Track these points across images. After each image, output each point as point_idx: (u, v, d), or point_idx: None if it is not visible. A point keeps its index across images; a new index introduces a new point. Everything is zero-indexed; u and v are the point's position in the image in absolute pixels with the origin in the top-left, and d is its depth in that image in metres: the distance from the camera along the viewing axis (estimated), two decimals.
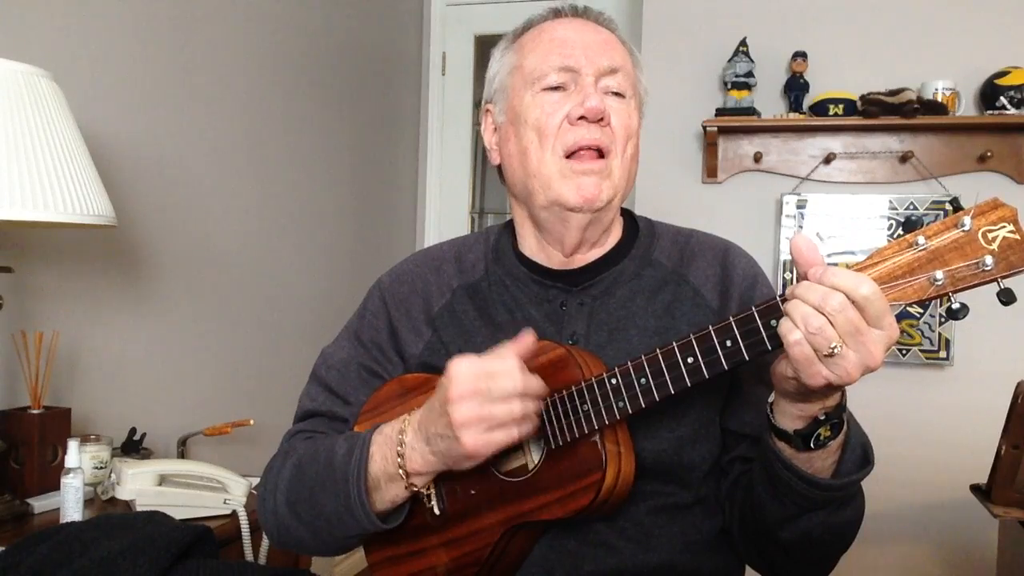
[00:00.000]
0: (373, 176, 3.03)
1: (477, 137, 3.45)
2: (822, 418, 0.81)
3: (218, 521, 1.49)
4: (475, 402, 0.79)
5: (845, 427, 0.83)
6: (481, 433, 0.80)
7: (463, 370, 0.81)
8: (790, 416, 0.82)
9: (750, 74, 2.59)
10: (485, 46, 3.40)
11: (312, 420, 1.05)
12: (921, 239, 0.72)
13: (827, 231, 2.61)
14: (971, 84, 2.51)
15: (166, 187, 1.98)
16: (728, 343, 0.78)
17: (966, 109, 2.50)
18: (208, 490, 1.53)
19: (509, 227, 1.09)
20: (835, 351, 0.71)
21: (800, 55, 2.58)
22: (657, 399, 0.82)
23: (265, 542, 1.56)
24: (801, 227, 2.62)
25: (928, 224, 0.73)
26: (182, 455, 1.93)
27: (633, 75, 1.00)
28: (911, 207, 2.54)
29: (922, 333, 2.53)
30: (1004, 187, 2.51)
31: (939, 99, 2.45)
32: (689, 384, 0.80)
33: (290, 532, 0.96)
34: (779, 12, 2.68)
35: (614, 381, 0.84)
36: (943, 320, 2.51)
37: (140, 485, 1.46)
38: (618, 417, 0.84)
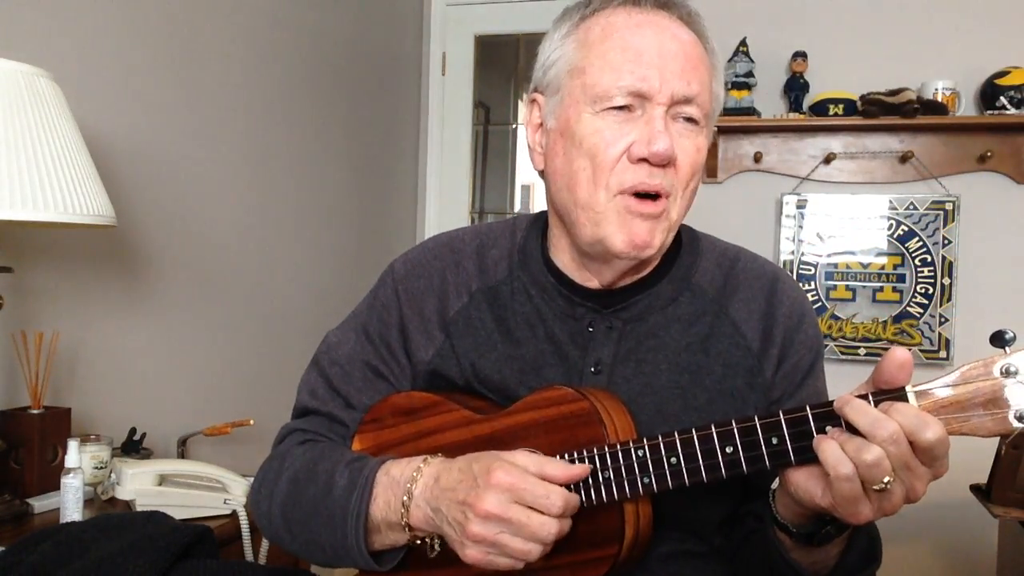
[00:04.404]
0: (373, 176, 3.03)
1: (477, 137, 3.45)
2: (829, 517, 0.75)
3: (218, 521, 1.48)
4: (497, 526, 0.73)
5: None
6: (487, 554, 0.75)
7: (504, 484, 0.73)
8: (794, 512, 0.77)
9: (750, 74, 2.59)
10: (485, 46, 3.40)
11: (310, 419, 1.00)
12: (1013, 365, 0.63)
13: (827, 231, 2.61)
14: (971, 84, 2.51)
15: (166, 187, 1.98)
16: (774, 440, 0.71)
17: (966, 109, 2.50)
18: (208, 490, 1.53)
19: (539, 225, 0.98)
20: (887, 486, 0.65)
21: (800, 55, 2.58)
22: (687, 484, 0.75)
23: (265, 542, 1.56)
24: (801, 227, 2.62)
25: (1020, 346, 0.64)
26: (182, 455, 1.93)
27: (710, 94, 0.86)
28: (911, 207, 2.54)
29: (922, 333, 2.53)
30: (1004, 187, 2.51)
31: (939, 99, 2.45)
32: (725, 476, 0.73)
33: (283, 543, 0.93)
34: (779, 12, 2.68)
35: (641, 453, 0.76)
36: (943, 320, 2.51)
37: (140, 485, 1.46)
38: (642, 494, 0.77)
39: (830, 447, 0.67)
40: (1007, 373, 0.63)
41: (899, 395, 0.68)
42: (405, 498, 0.81)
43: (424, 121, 3.36)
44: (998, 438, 1.66)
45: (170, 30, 1.97)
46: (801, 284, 2.61)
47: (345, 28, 2.77)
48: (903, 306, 2.55)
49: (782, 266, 2.62)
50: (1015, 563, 1.77)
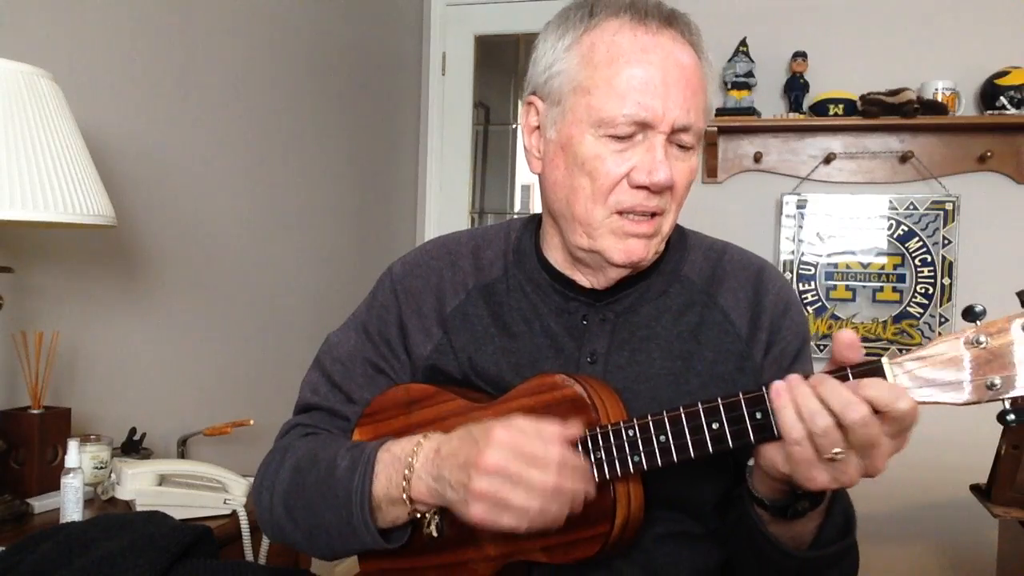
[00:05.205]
0: (373, 176, 3.03)
1: (477, 137, 3.45)
2: (801, 492, 0.77)
3: (218, 521, 1.49)
4: (499, 480, 0.75)
5: (828, 495, 0.80)
6: (491, 509, 0.76)
7: (504, 441, 0.75)
8: (768, 486, 0.80)
9: (750, 74, 2.59)
10: (485, 46, 3.40)
11: (312, 414, 1.02)
12: (982, 337, 0.67)
13: (827, 231, 2.61)
14: (971, 84, 2.51)
15: (166, 187, 1.98)
16: (758, 415, 0.74)
17: (966, 109, 2.50)
18: (208, 490, 1.53)
19: (533, 226, 1.02)
20: (837, 457, 0.68)
21: (800, 55, 2.58)
22: (676, 460, 0.77)
23: (265, 542, 1.56)
24: (801, 227, 2.62)
25: (989, 320, 0.67)
26: (182, 455, 1.93)
27: (703, 117, 0.88)
28: (911, 207, 2.54)
29: (922, 333, 2.53)
30: (1004, 187, 2.52)
31: (939, 99, 2.46)
32: (711, 451, 0.76)
33: (285, 533, 0.94)
34: (779, 12, 2.68)
35: (631, 432, 0.79)
36: (943, 320, 2.52)
37: (140, 485, 1.46)
38: (632, 471, 0.79)
39: (787, 413, 0.70)
40: (978, 344, 0.67)
41: (875, 367, 0.71)
42: (407, 471, 0.84)
43: (424, 121, 3.36)
44: (999, 439, 1.66)
45: (170, 30, 1.97)
46: (801, 284, 2.62)
47: (345, 28, 2.78)
48: (903, 306, 2.55)
49: (782, 266, 2.63)
50: (1015, 563, 1.77)
